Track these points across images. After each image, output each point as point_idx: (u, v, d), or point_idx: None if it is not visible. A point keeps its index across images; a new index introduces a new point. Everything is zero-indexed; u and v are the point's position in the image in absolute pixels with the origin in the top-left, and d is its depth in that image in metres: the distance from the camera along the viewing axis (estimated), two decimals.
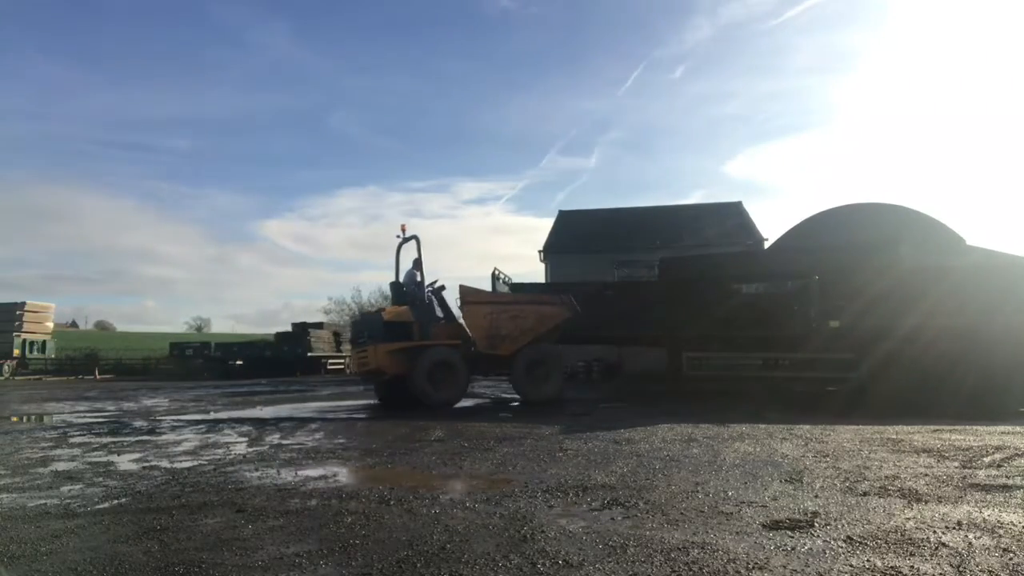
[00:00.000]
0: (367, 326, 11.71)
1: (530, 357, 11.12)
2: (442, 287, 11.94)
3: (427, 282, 11.69)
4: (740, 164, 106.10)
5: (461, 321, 11.64)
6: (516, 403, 12.25)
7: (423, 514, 3.90)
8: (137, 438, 7.88)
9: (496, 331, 11.09)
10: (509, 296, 11.91)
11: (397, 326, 11.04)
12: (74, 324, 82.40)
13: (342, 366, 31.68)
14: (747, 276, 12.91)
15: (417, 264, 11.58)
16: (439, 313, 11.73)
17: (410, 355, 10.84)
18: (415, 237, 11.65)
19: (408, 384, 10.84)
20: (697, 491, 4.36)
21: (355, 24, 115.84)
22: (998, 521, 3.52)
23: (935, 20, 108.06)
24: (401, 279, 11.84)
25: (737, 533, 3.38)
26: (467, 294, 11.45)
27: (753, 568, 2.85)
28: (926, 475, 4.76)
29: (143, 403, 13.65)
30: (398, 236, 11.97)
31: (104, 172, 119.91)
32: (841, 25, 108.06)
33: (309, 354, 29.43)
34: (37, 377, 29.72)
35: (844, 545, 3.15)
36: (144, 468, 5.73)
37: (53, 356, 32.86)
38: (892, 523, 3.52)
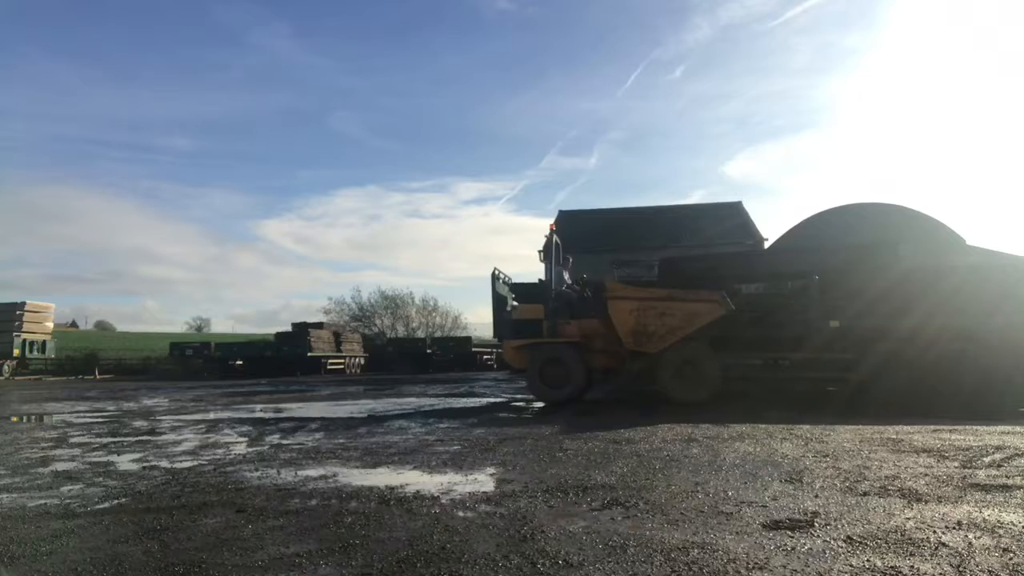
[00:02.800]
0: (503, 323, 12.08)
1: (680, 356, 10.60)
2: (587, 282, 11.90)
3: (572, 280, 11.85)
4: (740, 164, 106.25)
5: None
6: (517, 403, 12.26)
7: (423, 514, 3.90)
8: (137, 438, 7.88)
9: (643, 328, 10.72)
10: (657, 291, 11.30)
11: (527, 323, 11.42)
12: (74, 324, 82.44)
13: (342, 366, 31.68)
14: (747, 276, 12.90)
15: (565, 263, 11.92)
16: (592, 310, 11.44)
17: (531, 352, 11.12)
18: (559, 243, 11.95)
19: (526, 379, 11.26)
20: (697, 491, 4.36)
21: (355, 25, 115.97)
22: (998, 521, 3.52)
23: (934, 20, 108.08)
24: (547, 277, 11.86)
25: (737, 533, 3.38)
26: (614, 288, 11.31)
27: (753, 568, 2.85)
28: (926, 475, 4.76)
29: (143, 403, 13.65)
30: (556, 241, 11.90)
31: (104, 172, 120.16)
32: (841, 25, 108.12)
33: (309, 354, 29.40)
34: (37, 377, 29.71)
35: (844, 545, 3.15)
36: (144, 468, 5.73)
37: (53, 356, 32.79)
38: (892, 523, 3.52)
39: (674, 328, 10.56)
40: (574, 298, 11.66)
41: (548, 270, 11.69)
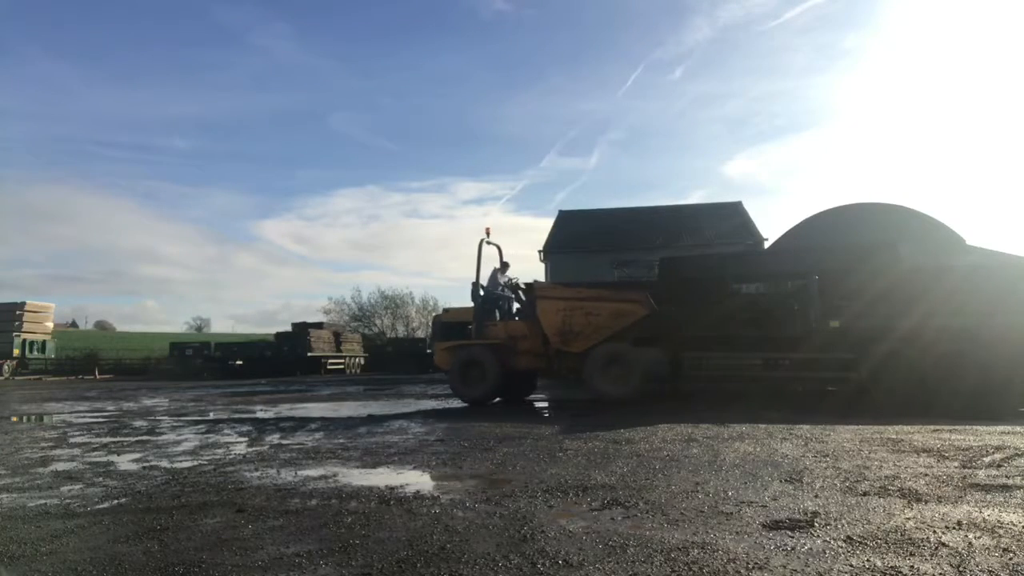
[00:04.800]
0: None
1: (605, 355, 10.79)
2: (518, 284, 12.14)
3: (504, 281, 12.08)
4: (740, 164, 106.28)
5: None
6: (517, 404, 12.25)
7: (423, 514, 3.90)
8: (137, 438, 7.88)
9: (569, 327, 10.96)
10: (584, 292, 11.58)
11: (456, 326, 11.84)
12: (74, 324, 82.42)
13: (342, 366, 31.67)
14: (747, 276, 12.91)
15: (505, 268, 12.24)
16: (519, 311, 11.83)
17: (455, 353, 11.57)
18: (498, 246, 12.39)
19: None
20: (697, 491, 4.36)
21: (355, 25, 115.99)
22: (998, 521, 3.52)
23: (934, 20, 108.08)
24: (482, 280, 11.99)
25: (737, 533, 3.38)
26: (541, 289, 11.61)
27: (753, 568, 2.85)
28: (926, 475, 4.75)
29: (143, 403, 13.65)
30: (487, 242, 12.16)
31: (104, 172, 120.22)
32: (840, 26, 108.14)
33: (309, 354, 29.41)
34: (37, 377, 29.71)
35: (844, 545, 3.15)
36: (144, 468, 5.73)
37: (53, 356, 32.80)
38: (892, 523, 3.51)
39: (600, 327, 10.82)
40: (504, 300, 11.88)
41: (478, 273, 11.83)
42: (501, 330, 11.56)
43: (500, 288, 12.01)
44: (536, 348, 11.29)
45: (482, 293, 11.78)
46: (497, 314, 11.90)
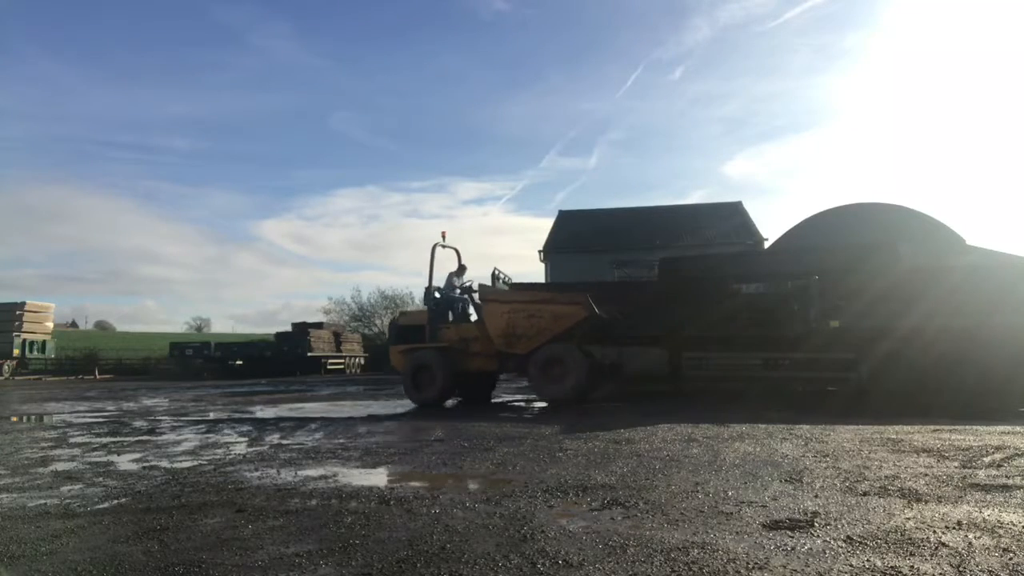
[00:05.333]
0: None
1: (547, 356, 10.98)
2: (471, 287, 12.26)
3: (459, 284, 12.25)
4: (740, 164, 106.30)
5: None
6: (517, 403, 12.26)
7: (423, 514, 3.90)
8: (137, 438, 7.88)
9: (513, 330, 11.18)
10: (527, 295, 11.84)
11: (412, 329, 11.99)
12: (74, 324, 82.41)
13: (342, 366, 31.67)
14: (747, 276, 12.91)
15: (461, 271, 12.42)
16: (473, 314, 11.99)
17: (407, 356, 11.78)
18: (456, 249, 12.69)
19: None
20: (697, 491, 4.35)
21: (355, 25, 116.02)
22: (998, 521, 3.52)
23: (933, 20, 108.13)
24: (436, 284, 12.21)
25: (737, 533, 3.38)
26: (486, 292, 11.80)
27: (753, 568, 2.85)
28: (926, 475, 4.75)
29: (143, 403, 13.65)
30: (441, 246, 12.33)
31: (104, 172, 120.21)
32: (839, 26, 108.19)
33: (309, 354, 29.41)
34: (37, 377, 29.71)
35: (844, 545, 3.15)
36: (144, 468, 5.73)
37: (53, 356, 32.80)
38: (892, 523, 3.51)
39: (542, 329, 11.03)
40: (458, 303, 12.06)
41: (430, 277, 12.10)
42: (453, 333, 11.72)
43: (455, 291, 12.17)
44: (488, 350, 11.48)
45: (436, 296, 12.02)
46: (451, 317, 12.04)
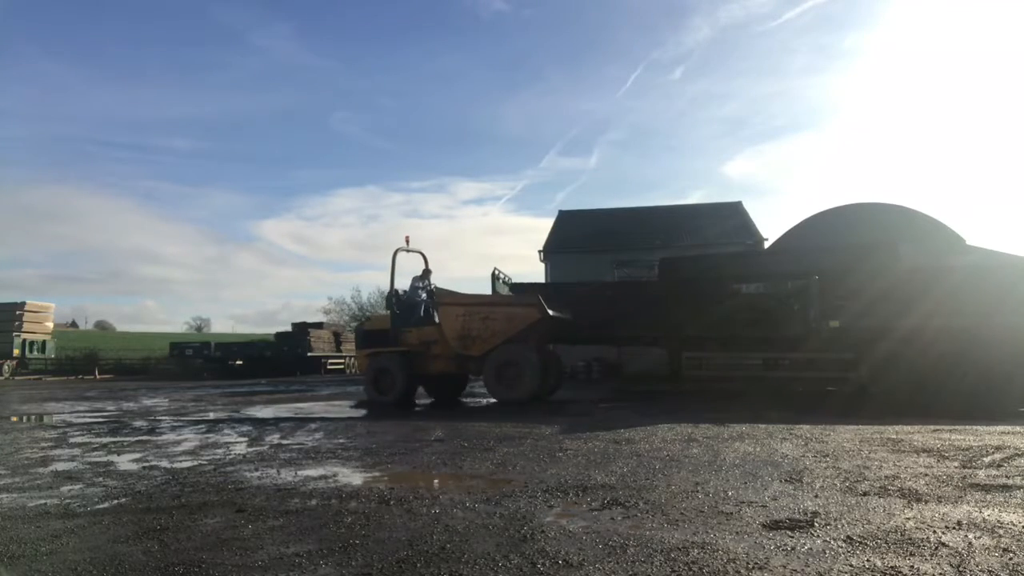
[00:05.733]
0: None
1: (501, 358, 11.19)
2: (432, 292, 12.47)
3: (424, 288, 12.46)
4: (740, 164, 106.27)
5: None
6: (517, 404, 12.25)
7: (423, 514, 3.90)
8: (137, 438, 7.88)
9: (467, 332, 11.43)
10: (480, 297, 12.10)
11: (374, 334, 12.32)
12: (74, 324, 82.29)
13: (342, 366, 31.66)
14: (747, 276, 12.91)
15: (425, 275, 12.60)
16: (436, 317, 12.11)
17: (370, 360, 12.14)
18: (422, 253, 12.88)
19: None
20: (697, 491, 4.36)
21: (355, 26, 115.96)
22: (998, 521, 3.52)
23: (933, 20, 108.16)
24: (398, 288, 12.45)
25: (737, 533, 3.38)
26: (441, 296, 12.08)
27: (753, 568, 2.85)
28: (926, 475, 4.76)
29: (143, 403, 13.65)
30: (405, 250, 12.56)
31: (104, 172, 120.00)
32: (840, 26, 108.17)
33: (309, 354, 29.39)
34: (37, 377, 29.68)
35: (844, 545, 3.15)
36: (144, 468, 5.73)
37: (53, 356, 32.77)
38: (892, 523, 3.52)
39: (497, 332, 11.25)
40: (420, 306, 12.23)
41: (391, 281, 12.41)
42: (415, 336, 11.90)
43: (420, 294, 12.37)
44: (447, 352, 11.69)
45: (396, 300, 12.27)
46: (413, 320, 12.21)
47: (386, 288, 13.17)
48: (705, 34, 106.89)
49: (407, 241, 12.66)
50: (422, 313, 12.17)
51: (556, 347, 21.69)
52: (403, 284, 12.78)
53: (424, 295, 12.38)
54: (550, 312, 11.15)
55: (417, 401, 12.54)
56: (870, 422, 7.80)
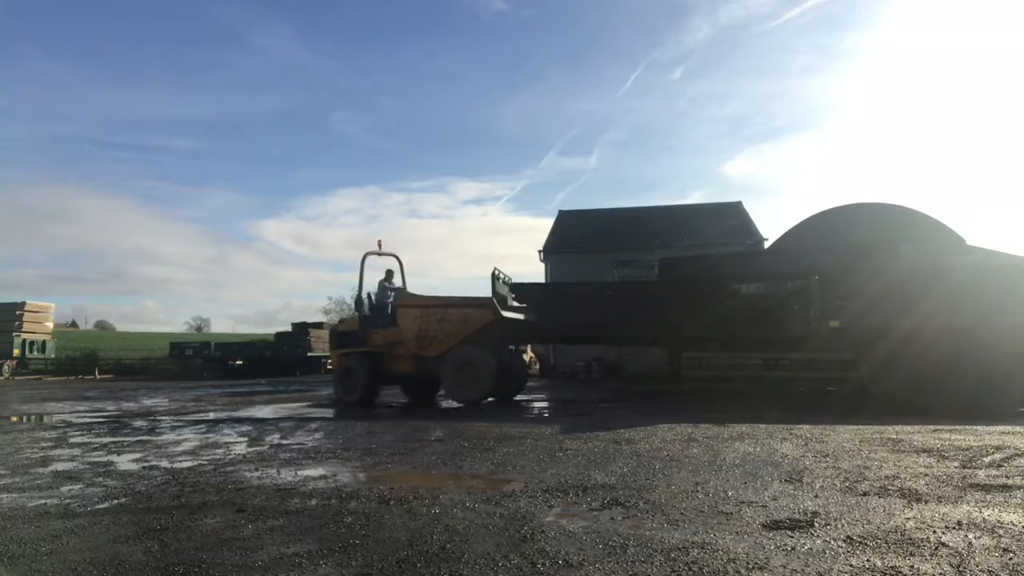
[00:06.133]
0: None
1: (457, 359, 11.38)
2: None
3: (391, 289, 12.79)
4: (740, 164, 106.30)
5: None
6: (516, 403, 12.25)
7: (423, 514, 3.90)
8: (137, 438, 7.88)
9: (424, 333, 11.63)
10: (436, 299, 12.35)
11: (346, 335, 12.63)
12: (74, 324, 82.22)
13: None
14: (747, 276, 12.90)
15: (389, 276, 12.92)
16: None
17: (339, 360, 12.50)
18: (396, 256, 13.24)
19: None
20: (697, 491, 4.36)
21: (355, 26, 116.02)
22: (998, 521, 3.52)
23: (933, 20, 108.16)
24: (366, 291, 12.78)
25: (737, 533, 3.38)
26: (399, 298, 12.42)
27: (753, 568, 2.85)
28: (926, 475, 4.76)
29: (143, 403, 13.65)
30: (377, 254, 12.93)
31: (104, 172, 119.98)
32: (840, 26, 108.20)
33: (309, 354, 29.38)
34: (37, 377, 29.68)
35: (844, 545, 3.15)
36: (144, 468, 5.73)
37: (53, 356, 32.76)
38: (892, 523, 3.52)
39: (452, 333, 11.54)
40: (386, 309, 12.48)
41: (360, 285, 12.75)
42: (381, 338, 12.12)
43: (389, 296, 12.62)
44: (410, 353, 11.93)
45: (365, 302, 12.53)
46: (380, 322, 12.43)
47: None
48: (705, 34, 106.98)
49: (379, 245, 13.04)
50: (389, 315, 12.47)
51: (555, 347, 21.79)
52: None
53: (392, 297, 12.69)
54: (503, 313, 11.35)
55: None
56: (870, 422, 7.80)
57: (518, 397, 12.78)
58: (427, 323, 11.71)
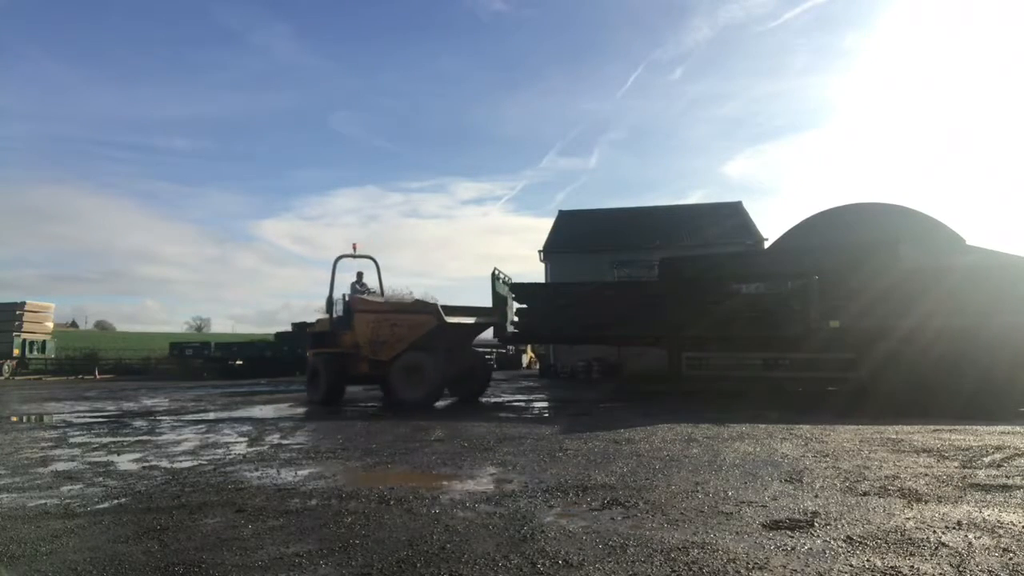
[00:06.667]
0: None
1: (406, 363, 11.58)
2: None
3: (363, 291, 13.20)
4: (740, 164, 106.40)
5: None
6: (517, 403, 12.27)
7: (423, 514, 3.90)
8: (137, 438, 7.88)
9: (377, 337, 11.93)
10: (389, 305, 12.56)
11: (319, 336, 12.97)
12: (74, 324, 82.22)
13: None
14: (747, 276, 12.89)
15: (360, 278, 13.38)
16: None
17: (310, 360, 12.95)
18: (372, 258, 13.68)
19: None
20: (697, 491, 4.36)
21: (354, 26, 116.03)
22: (998, 521, 3.52)
23: (932, 20, 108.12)
24: (339, 293, 13.12)
25: (737, 533, 3.38)
26: (355, 303, 12.64)
27: (753, 568, 2.85)
28: (926, 475, 4.76)
29: (143, 403, 13.65)
30: (351, 256, 13.27)
31: (104, 172, 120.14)
32: (839, 26, 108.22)
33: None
34: (37, 377, 29.67)
35: (844, 545, 3.15)
36: (144, 468, 5.73)
37: (53, 356, 32.75)
38: (892, 523, 3.52)
39: (402, 338, 11.73)
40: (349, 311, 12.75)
41: (331, 287, 13.03)
42: (349, 339, 12.32)
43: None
44: (365, 356, 12.11)
45: (337, 304, 12.79)
46: (342, 325, 12.65)
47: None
48: (705, 34, 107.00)
49: (354, 248, 13.32)
50: (345, 317, 12.79)
51: (555, 347, 21.77)
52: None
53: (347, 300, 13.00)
54: (447, 319, 11.56)
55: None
56: (870, 422, 7.80)
57: (521, 398, 12.79)
58: (380, 328, 11.97)
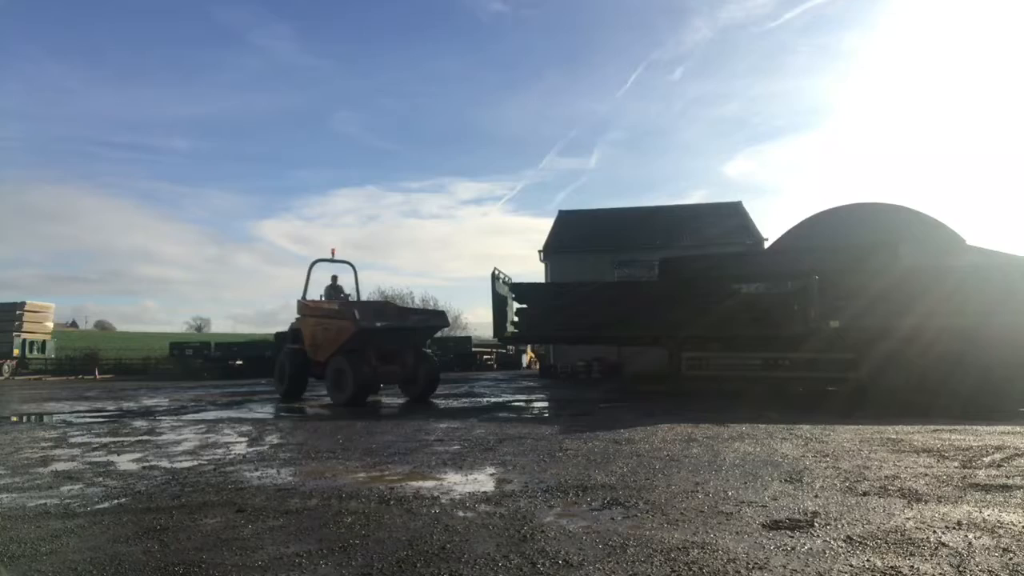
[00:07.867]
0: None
1: (336, 365, 11.95)
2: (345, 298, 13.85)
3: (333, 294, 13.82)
4: (740, 164, 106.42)
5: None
6: (517, 403, 12.27)
7: (423, 514, 3.90)
8: (137, 438, 7.88)
9: (315, 340, 12.60)
10: (321, 310, 12.95)
11: (287, 335, 13.89)
12: (74, 324, 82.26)
13: None
14: (747, 276, 12.91)
15: (334, 281, 14.02)
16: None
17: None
18: (350, 263, 14.20)
19: None
20: (697, 491, 4.36)
21: (354, 26, 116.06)
22: (998, 521, 3.52)
23: (932, 20, 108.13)
24: (318, 295, 13.73)
25: (737, 533, 3.38)
26: (302, 307, 13.27)
27: (753, 568, 2.85)
28: (926, 475, 4.76)
29: (143, 403, 13.64)
30: (328, 261, 13.74)
31: (104, 172, 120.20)
32: (839, 26, 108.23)
33: None
34: (37, 377, 29.66)
35: (844, 545, 3.15)
36: (144, 468, 5.73)
37: (53, 356, 32.76)
38: (892, 523, 3.52)
39: (331, 340, 12.20)
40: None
41: (305, 289, 13.59)
42: (304, 340, 12.91)
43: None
44: (311, 355, 12.74)
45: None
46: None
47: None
48: (705, 34, 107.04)
49: (332, 253, 13.78)
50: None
51: (555, 347, 21.76)
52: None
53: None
54: (364, 325, 11.75)
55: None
56: (870, 422, 7.80)
57: (521, 398, 12.80)
58: (317, 331, 12.53)
